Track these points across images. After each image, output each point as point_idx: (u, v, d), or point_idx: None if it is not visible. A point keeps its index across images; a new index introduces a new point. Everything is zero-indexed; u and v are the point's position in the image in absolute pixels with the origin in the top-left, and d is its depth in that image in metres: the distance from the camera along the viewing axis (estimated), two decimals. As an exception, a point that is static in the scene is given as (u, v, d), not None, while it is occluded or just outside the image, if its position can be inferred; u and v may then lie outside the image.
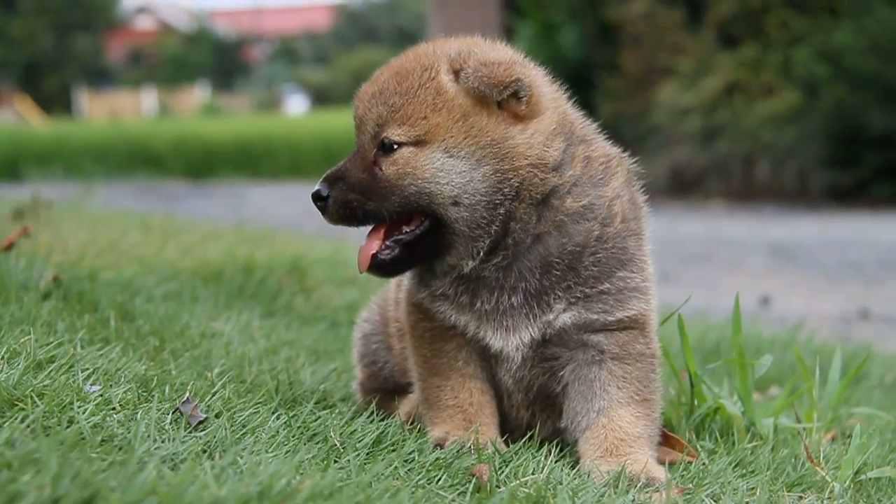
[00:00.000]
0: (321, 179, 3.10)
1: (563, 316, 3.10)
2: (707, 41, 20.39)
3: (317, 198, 3.06)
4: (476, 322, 3.13)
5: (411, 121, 2.97)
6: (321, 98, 57.01)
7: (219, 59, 64.14)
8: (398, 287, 3.47)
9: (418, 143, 2.96)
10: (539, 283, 3.08)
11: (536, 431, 3.24)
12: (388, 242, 3.04)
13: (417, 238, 3.03)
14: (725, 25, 20.35)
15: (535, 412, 3.29)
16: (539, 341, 3.13)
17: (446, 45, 3.12)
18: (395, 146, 2.99)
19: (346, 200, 3.03)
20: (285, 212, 16.66)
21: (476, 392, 3.22)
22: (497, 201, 2.98)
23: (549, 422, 3.27)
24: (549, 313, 3.09)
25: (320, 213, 3.09)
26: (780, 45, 19.57)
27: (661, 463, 3.13)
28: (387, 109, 3.01)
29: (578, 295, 3.09)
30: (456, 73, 3.02)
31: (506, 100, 3.00)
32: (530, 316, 3.09)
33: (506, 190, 2.98)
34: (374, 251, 3.03)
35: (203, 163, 30.59)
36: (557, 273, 3.07)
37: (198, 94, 55.49)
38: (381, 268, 3.05)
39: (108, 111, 48.22)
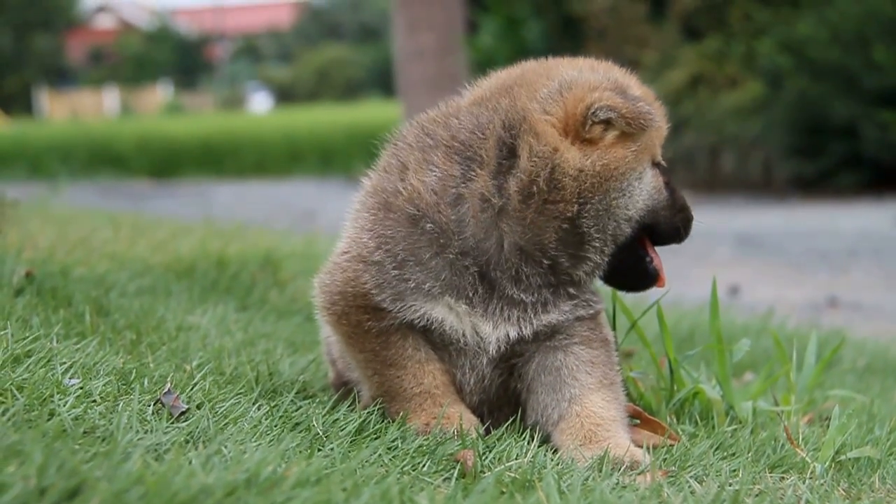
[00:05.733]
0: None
1: (553, 313, 3.14)
2: (671, 34, 20.51)
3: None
4: (465, 315, 3.11)
5: None
6: (285, 96, 56.85)
7: (181, 58, 63.74)
8: None
9: None
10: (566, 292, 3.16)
11: (518, 418, 3.24)
12: None
13: None
14: (689, 18, 20.48)
15: (483, 415, 3.26)
16: (526, 339, 3.14)
17: None
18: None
19: None
20: (252, 210, 16.61)
21: (438, 374, 3.17)
22: None
23: (495, 424, 3.25)
24: (554, 312, 3.13)
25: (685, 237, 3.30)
26: (744, 36, 19.72)
27: (640, 446, 3.14)
28: None
29: (572, 300, 3.17)
30: None
31: None
32: (532, 314, 3.12)
33: None
34: None
35: (167, 162, 30.47)
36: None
37: (160, 93, 55.18)
38: None
39: (70, 111, 47.89)
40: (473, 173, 3.05)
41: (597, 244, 3.09)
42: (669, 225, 3.21)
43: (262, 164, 30.57)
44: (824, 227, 14.24)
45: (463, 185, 3.06)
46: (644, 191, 3.11)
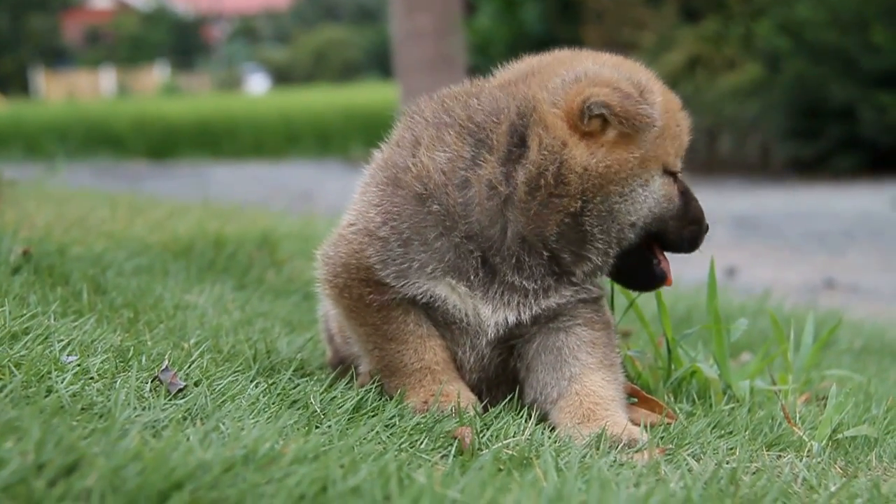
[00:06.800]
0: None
1: (553, 298, 3.13)
2: (669, 16, 20.47)
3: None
4: (465, 296, 3.11)
5: None
6: (282, 77, 56.72)
7: (178, 39, 63.57)
8: None
9: None
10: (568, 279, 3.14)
11: (515, 396, 3.24)
12: None
13: None
14: (687, -1, 20.44)
15: (482, 392, 3.26)
16: (525, 323, 3.14)
17: None
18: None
19: None
20: (250, 191, 16.60)
21: (439, 350, 3.16)
22: None
23: (492, 402, 3.24)
24: (554, 297, 3.12)
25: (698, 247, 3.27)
26: (742, 18, 19.69)
27: (637, 424, 3.15)
28: None
29: (574, 286, 3.15)
30: None
31: None
32: (534, 299, 3.11)
33: None
34: None
35: (164, 143, 30.41)
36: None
37: (157, 74, 55.01)
38: None
39: (66, 91, 47.78)
40: (483, 158, 3.03)
41: (600, 245, 3.07)
42: (677, 235, 3.19)
43: (260, 145, 30.52)
44: (822, 210, 14.25)
45: (472, 168, 3.03)
46: (650, 198, 3.08)
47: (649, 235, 3.14)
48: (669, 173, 3.14)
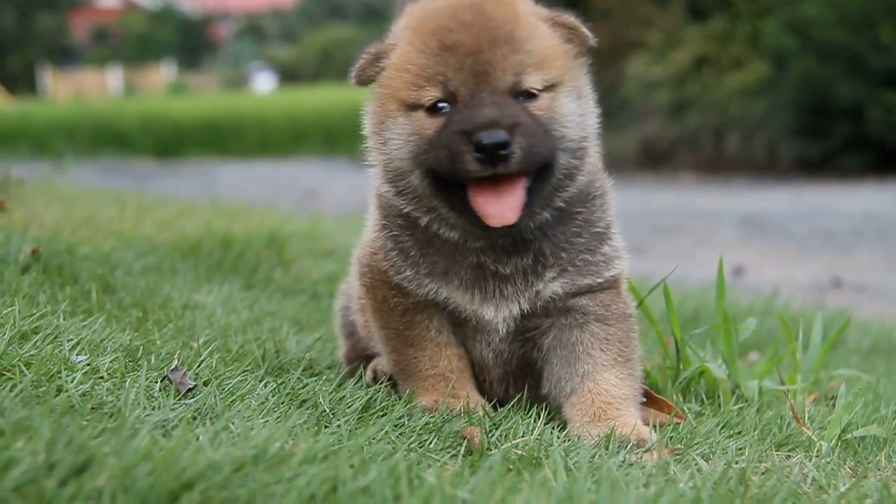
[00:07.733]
0: (488, 126, 2.76)
1: (552, 285, 3.11)
2: (676, 14, 20.45)
3: (499, 146, 2.75)
4: (465, 295, 3.11)
5: (546, 66, 2.90)
6: (289, 76, 56.69)
7: (185, 37, 63.58)
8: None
9: (552, 87, 2.91)
10: (534, 256, 3.08)
11: (524, 395, 3.24)
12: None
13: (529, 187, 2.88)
14: (694, -2, 20.42)
15: (509, 386, 3.28)
16: (526, 313, 3.13)
17: None
18: (537, 92, 2.89)
19: (530, 146, 2.80)
20: (256, 189, 16.59)
21: (454, 359, 3.20)
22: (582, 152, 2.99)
23: (522, 394, 3.25)
24: (539, 284, 3.09)
25: (487, 164, 2.77)
26: (749, 17, 19.67)
27: (647, 423, 3.14)
28: (525, 56, 2.86)
29: (569, 266, 3.11)
30: (548, 21, 3.00)
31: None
32: (522, 287, 3.09)
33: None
34: (522, 202, 2.84)
35: (171, 141, 30.48)
36: (554, 245, 3.09)
37: (164, 73, 55.03)
38: (522, 218, 2.86)
39: (74, 90, 47.82)
40: None
41: (412, 204, 3.03)
42: (440, 166, 2.86)
43: (266, 143, 30.58)
44: (829, 209, 14.23)
45: None
46: (398, 141, 2.94)
47: (436, 176, 2.90)
48: (418, 107, 2.90)
